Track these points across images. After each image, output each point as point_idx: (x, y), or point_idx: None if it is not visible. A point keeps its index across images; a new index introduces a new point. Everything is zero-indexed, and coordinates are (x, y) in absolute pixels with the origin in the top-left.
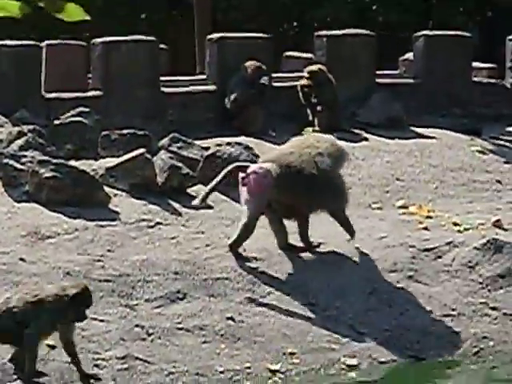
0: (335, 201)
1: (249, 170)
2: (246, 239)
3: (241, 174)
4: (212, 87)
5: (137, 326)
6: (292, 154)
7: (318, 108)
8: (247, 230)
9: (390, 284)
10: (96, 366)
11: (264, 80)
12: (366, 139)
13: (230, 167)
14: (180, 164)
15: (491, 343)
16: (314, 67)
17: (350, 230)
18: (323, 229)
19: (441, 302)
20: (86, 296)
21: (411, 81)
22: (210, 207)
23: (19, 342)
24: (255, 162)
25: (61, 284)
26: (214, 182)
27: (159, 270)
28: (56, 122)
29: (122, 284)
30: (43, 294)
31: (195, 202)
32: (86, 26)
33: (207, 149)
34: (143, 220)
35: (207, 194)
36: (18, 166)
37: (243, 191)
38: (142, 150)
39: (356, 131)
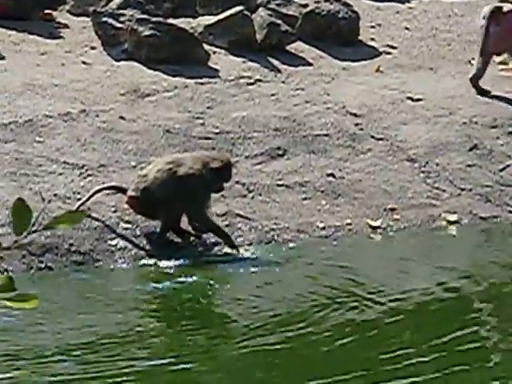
0: None
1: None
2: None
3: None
4: None
5: (237, 182)
6: None
7: None
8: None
9: (490, 139)
10: None
11: None
12: None
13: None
14: (279, 21)
15: None
16: None
17: None
18: (422, 86)
19: None
20: (228, 169)
21: None
22: (310, 64)
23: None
24: (353, 19)
25: (203, 154)
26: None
27: (259, 127)
28: None
29: (222, 141)
30: (186, 166)
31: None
32: None
33: (306, 6)
34: (242, 77)
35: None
36: (117, 24)
37: (498, 30)
38: (240, 8)
39: None
